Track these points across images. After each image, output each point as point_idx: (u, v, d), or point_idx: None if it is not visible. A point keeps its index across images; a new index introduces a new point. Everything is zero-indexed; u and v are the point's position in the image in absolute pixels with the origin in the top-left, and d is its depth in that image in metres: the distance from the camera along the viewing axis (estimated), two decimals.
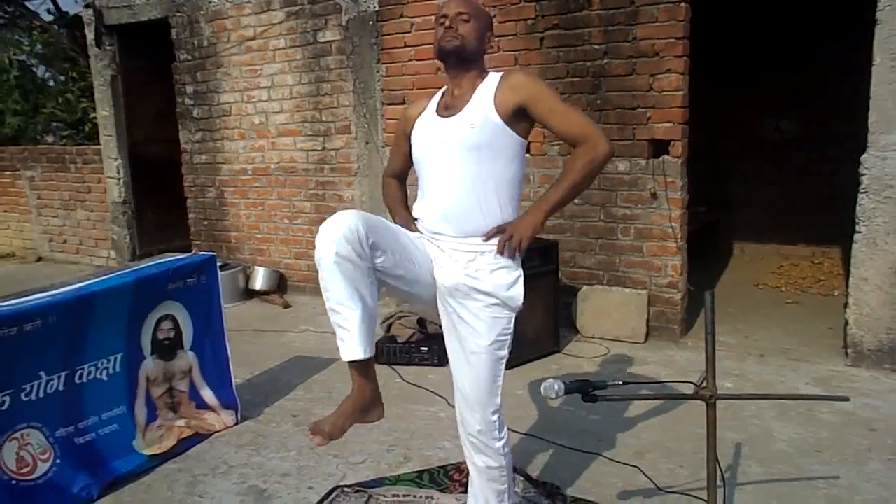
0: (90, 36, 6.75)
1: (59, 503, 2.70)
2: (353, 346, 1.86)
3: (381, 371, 3.85)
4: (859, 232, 3.65)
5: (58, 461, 2.74)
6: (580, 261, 4.53)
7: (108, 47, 6.74)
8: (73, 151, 7.79)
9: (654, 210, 4.23)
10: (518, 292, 2.06)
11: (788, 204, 6.14)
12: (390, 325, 4.32)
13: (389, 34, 4.97)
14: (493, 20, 4.34)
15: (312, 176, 5.66)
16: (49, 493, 2.68)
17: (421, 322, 4.37)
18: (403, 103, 4.99)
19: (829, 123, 5.73)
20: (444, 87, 2.19)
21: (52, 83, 10.78)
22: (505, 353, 2.10)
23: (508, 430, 2.21)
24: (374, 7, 5.01)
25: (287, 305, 5.66)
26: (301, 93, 5.58)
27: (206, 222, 6.44)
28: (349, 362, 1.89)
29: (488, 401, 2.08)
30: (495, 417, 2.10)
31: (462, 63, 2.09)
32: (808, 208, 5.99)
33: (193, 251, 5.14)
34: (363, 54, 5.14)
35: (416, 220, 2.19)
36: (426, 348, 4.12)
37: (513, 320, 2.09)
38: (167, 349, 3.22)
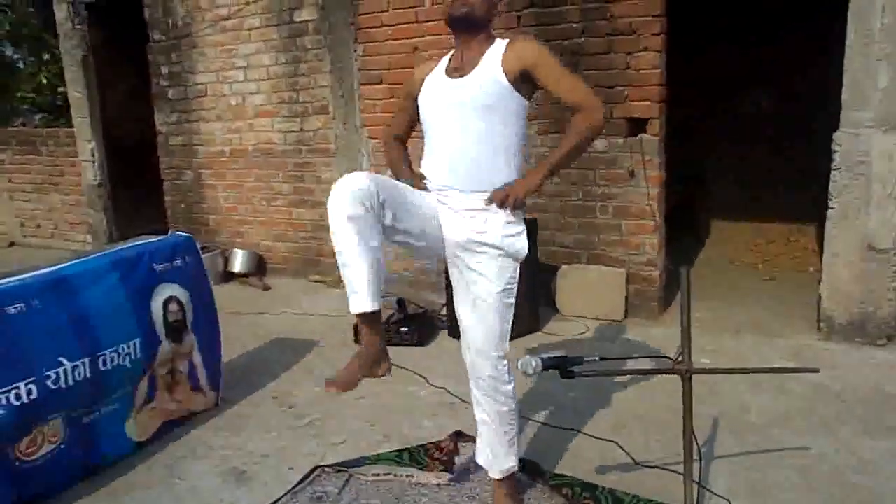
0: (60, 14, 6.62)
1: (47, 485, 2.69)
2: (362, 298, 1.95)
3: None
4: (832, 208, 3.70)
5: (63, 444, 2.72)
6: (559, 239, 4.56)
7: (78, 26, 6.61)
8: (43, 134, 7.66)
9: (632, 188, 4.25)
10: (523, 244, 2.21)
11: (765, 180, 6.18)
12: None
13: (366, 13, 4.92)
14: None
15: (291, 157, 5.61)
16: (43, 474, 2.66)
17: (400, 302, 4.39)
18: (381, 83, 4.96)
19: (806, 99, 5.76)
20: (452, 52, 2.30)
21: (21, 65, 10.56)
22: (512, 300, 2.24)
23: None
24: None
25: (266, 288, 5.64)
26: (278, 73, 5.52)
27: (183, 205, 6.38)
28: (358, 315, 1.99)
29: (499, 345, 2.22)
30: (505, 362, 2.24)
31: (470, 28, 2.20)
32: (784, 185, 6.04)
33: (171, 231, 5.09)
34: (340, 34, 5.09)
35: (422, 177, 2.28)
36: (406, 329, 4.13)
37: (518, 270, 2.24)
38: (177, 331, 3.20)
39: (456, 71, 2.21)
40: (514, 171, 2.21)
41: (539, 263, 4.35)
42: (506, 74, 2.11)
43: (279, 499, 2.60)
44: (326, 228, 5.89)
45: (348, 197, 1.92)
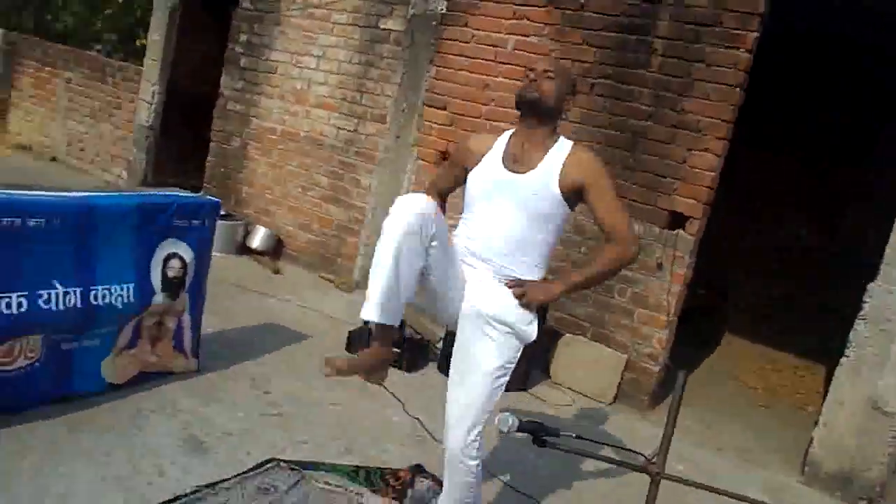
0: None
1: (16, 398, 2.71)
2: (374, 308, 1.98)
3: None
4: (847, 356, 3.65)
5: (38, 363, 2.74)
6: (570, 308, 4.54)
7: None
8: (115, 65, 7.84)
9: (654, 279, 4.23)
10: (534, 329, 2.24)
11: (785, 305, 6.13)
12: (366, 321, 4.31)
13: (449, 39, 5.00)
14: (553, 54, 4.39)
15: (337, 154, 5.68)
16: (12, 386, 2.68)
17: (400, 323, 4.37)
18: (444, 109, 5.01)
19: (845, 239, 5.73)
20: (511, 133, 2.29)
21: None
22: (503, 382, 2.23)
23: None
24: (442, 9, 5.04)
25: (277, 271, 5.67)
26: (349, 71, 5.61)
27: (222, 169, 6.46)
28: (373, 324, 2.03)
29: (475, 420, 2.19)
30: (476, 439, 2.20)
31: (536, 116, 2.21)
32: (802, 316, 5.99)
33: (202, 193, 5.15)
34: (419, 51, 5.17)
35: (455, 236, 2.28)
36: (398, 350, 4.12)
37: (519, 353, 2.24)
38: (175, 288, 3.22)
39: (515, 162, 2.21)
40: (539, 270, 2.25)
41: (545, 326, 4.33)
42: (560, 187, 2.15)
43: (228, 479, 2.59)
44: (351, 231, 5.95)
45: (416, 214, 1.94)
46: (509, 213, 2.17)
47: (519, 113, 2.24)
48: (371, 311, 1.98)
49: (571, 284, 2.30)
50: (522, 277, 2.21)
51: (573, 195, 2.18)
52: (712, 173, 4.05)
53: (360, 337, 4.13)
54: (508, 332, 2.19)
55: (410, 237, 1.94)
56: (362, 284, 5.33)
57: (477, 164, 2.28)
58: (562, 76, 2.25)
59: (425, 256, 2.02)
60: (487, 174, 2.24)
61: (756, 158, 5.90)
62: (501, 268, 2.20)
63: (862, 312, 3.61)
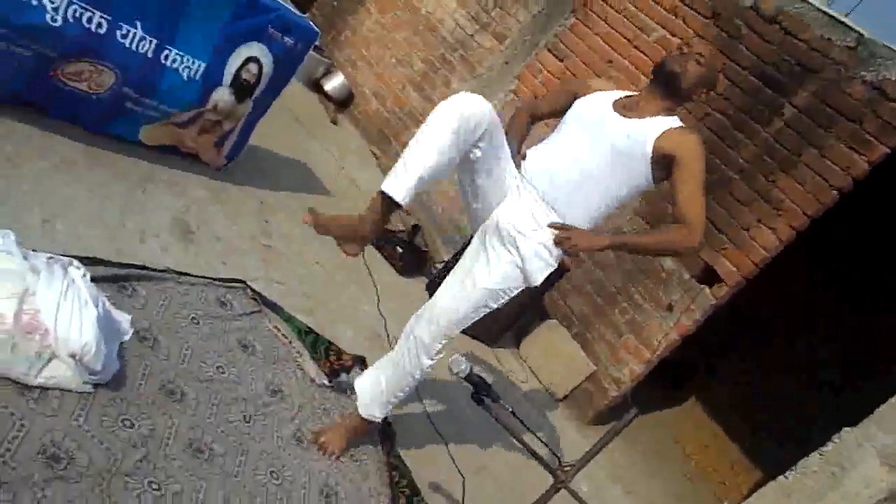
0: None
1: (59, 109, 2.78)
2: (400, 185, 1.92)
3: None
4: (784, 477, 3.65)
5: (96, 97, 2.79)
6: (571, 300, 4.54)
7: None
8: None
9: (658, 317, 4.22)
10: (542, 275, 2.22)
11: (763, 407, 6.10)
12: None
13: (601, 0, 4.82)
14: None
15: (444, 48, 5.57)
16: (67, 104, 2.77)
17: (416, 228, 4.41)
18: (561, 61, 4.88)
19: (850, 379, 5.66)
20: (635, 93, 2.29)
21: None
22: (494, 306, 2.26)
23: None
24: None
25: (335, 122, 5.66)
26: None
27: (335, 4, 6.38)
28: (382, 196, 1.96)
29: (451, 326, 2.24)
30: (441, 343, 2.26)
31: (666, 89, 2.19)
32: (773, 423, 5.96)
33: (308, 16, 5.10)
34: None
35: (524, 157, 2.27)
36: (401, 250, 4.16)
37: (518, 290, 2.26)
38: (244, 91, 3.23)
39: (623, 108, 2.20)
40: (593, 221, 2.23)
41: (539, 303, 4.35)
42: (654, 149, 2.10)
43: (196, 276, 2.66)
44: (417, 122, 5.86)
45: (468, 114, 1.92)
46: (596, 148, 2.15)
47: (649, 80, 2.25)
48: (393, 186, 1.93)
49: (620, 242, 2.32)
50: (569, 221, 2.18)
51: (661, 167, 2.13)
52: (767, 254, 3.96)
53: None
54: (518, 265, 2.19)
55: (456, 135, 1.91)
56: None
57: (589, 94, 2.29)
58: (710, 69, 2.22)
59: (462, 151, 1.98)
60: (593, 104, 2.23)
61: (806, 266, 5.79)
62: (553, 203, 2.17)
63: (823, 448, 3.59)
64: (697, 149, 2.12)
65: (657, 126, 2.12)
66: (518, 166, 2.25)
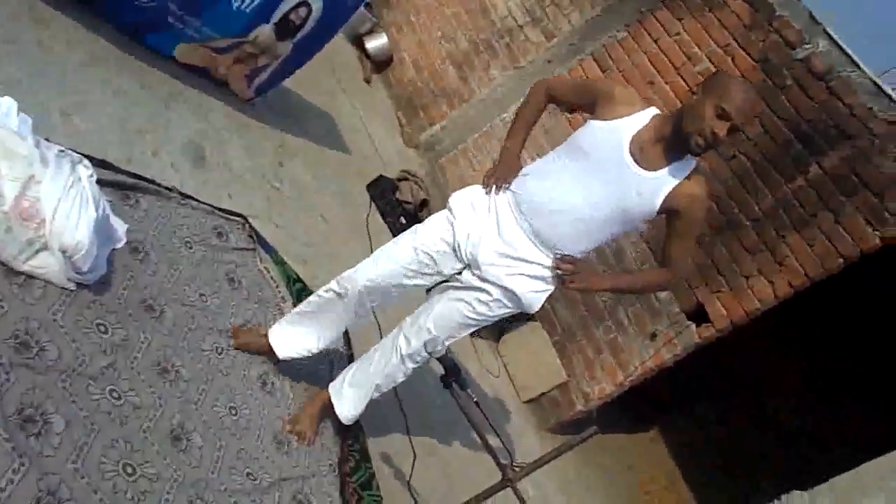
0: None
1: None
2: (279, 335, 2.38)
3: (363, 197, 3.90)
4: None
5: (140, 5, 2.79)
6: (559, 308, 4.55)
7: None
8: None
9: (639, 343, 4.23)
10: (539, 301, 2.22)
11: (722, 456, 6.12)
12: (402, 179, 4.32)
13: (658, 20, 4.76)
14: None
15: (491, 32, 5.53)
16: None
17: (423, 203, 4.41)
18: (603, 72, 4.86)
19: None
20: (653, 117, 2.05)
21: None
22: (487, 323, 2.31)
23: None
24: None
25: (369, 81, 5.63)
26: None
27: None
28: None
29: (444, 341, 2.18)
30: (427, 355, 2.23)
31: (676, 139, 1.98)
32: (729, 477, 5.98)
33: None
34: (626, 8, 4.96)
35: (516, 171, 2.18)
36: (405, 221, 4.17)
37: (507, 315, 2.28)
38: (288, 32, 3.21)
39: (641, 151, 2.00)
40: (584, 256, 2.23)
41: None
42: (661, 204, 2.02)
43: (200, 202, 2.66)
44: (449, 101, 5.76)
45: (361, 289, 2.24)
46: (602, 196, 2.03)
47: (677, 140, 1.97)
48: (274, 334, 2.39)
49: (615, 286, 2.45)
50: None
51: (664, 213, 2.08)
52: (760, 307, 3.97)
53: (383, 187, 4.16)
54: (513, 300, 2.20)
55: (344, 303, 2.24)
56: (422, 149, 5.33)
57: (606, 118, 2.04)
58: (747, 125, 2.19)
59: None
60: (608, 139, 2.01)
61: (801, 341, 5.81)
62: (549, 240, 2.10)
63: None
64: (704, 206, 2.08)
65: (669, 181, 2.01)
66: (507, 178, 2.17)
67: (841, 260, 3.81)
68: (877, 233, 3.70)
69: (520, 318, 4.51)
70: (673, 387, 5.84)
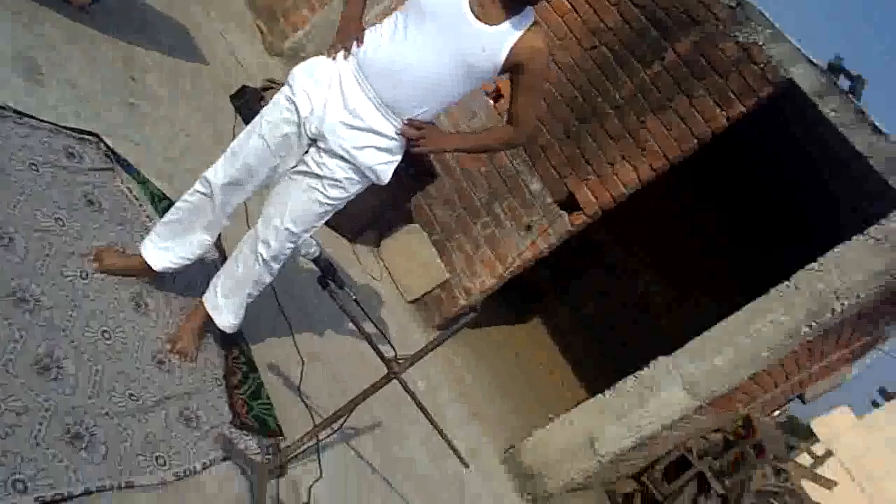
0: None
1: None
2: (152, 248, 2.30)
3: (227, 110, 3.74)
4: (603, 395, 3.99)
5: None
6: (436, 208, 4.61)
7: None
8: None
9: (517, 236, 4.38)
10: (389, 172, 2.19)
11: (607, 331, 6.55)
12: (267, 88, 4.17)
13: None
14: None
15: None
16: None
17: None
18: None
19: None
20: None
21: None
22: (342, 205, 2.24)
23: None
24: None
25: None
26: None
27: None
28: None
29: (304, 231, 2.18)
30: (290, 246, 2.22)
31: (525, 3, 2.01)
32: (613, 347, 6.40)
33: None
34: None
35: (359, 39, 2.09)
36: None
37: (361, 190, 2.22)
38: None
39: (477, 6, 1.98)
40: (432, 119, 2.20)
41: (404, 207, 4.40)
42: (505, 59, 2.02)
43: (41, 119, 2.47)
44: (310, 4, 5.43)
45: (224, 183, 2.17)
46: (446, 56, 2.00)
47: None
48: (147, 250, 2.29)
49: (463, 145, 2.48)
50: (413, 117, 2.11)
51: (508, 69, 2.07)
52: (625, 191, 4.18)
53: (248, 98, 4.00)
54: (361, 173, 2.15)
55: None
56: (286, 56, 5.11)
57: None
58: None
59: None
60: (450, 6, 1.98)
61: (674, 210, 6.17)
62: (395, 104, 2.07)
63: (639, 371, 3.94)
64: (544, 62, 2.15)
65: (512, 35, 2.01)
66: (347, 43, 2.10)
67: (695, 141, 4.05)
68: (724, 113, 3.94)
69: (398, 219, 4.56)
70: (553, 273, 6.14)
